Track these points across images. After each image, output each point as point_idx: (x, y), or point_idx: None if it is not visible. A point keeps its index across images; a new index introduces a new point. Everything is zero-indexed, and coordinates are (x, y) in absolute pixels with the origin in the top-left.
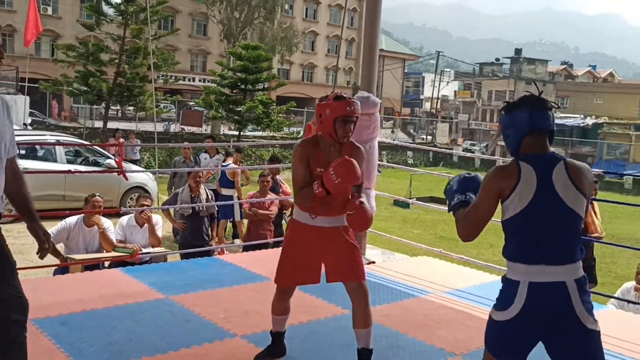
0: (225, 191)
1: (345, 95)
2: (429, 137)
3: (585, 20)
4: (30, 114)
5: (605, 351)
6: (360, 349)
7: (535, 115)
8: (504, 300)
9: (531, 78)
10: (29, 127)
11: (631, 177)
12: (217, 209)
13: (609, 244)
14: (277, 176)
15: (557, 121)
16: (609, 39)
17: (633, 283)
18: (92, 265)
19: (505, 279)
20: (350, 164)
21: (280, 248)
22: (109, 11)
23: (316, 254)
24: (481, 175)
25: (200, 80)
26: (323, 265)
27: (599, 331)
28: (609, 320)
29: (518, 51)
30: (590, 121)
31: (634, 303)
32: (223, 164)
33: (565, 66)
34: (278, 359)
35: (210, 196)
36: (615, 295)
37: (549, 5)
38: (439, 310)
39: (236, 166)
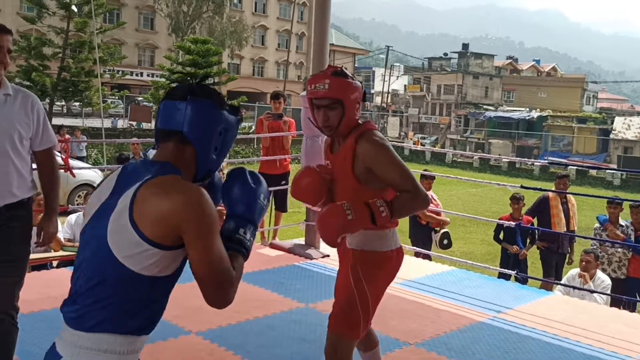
0: None
1: (320, 73)
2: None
3: (529, 16)
4: None
5: (552, 336)
6: None
7: (160, 110)
8: None
9: (478, 72)
10: None
11: (574, 167)
12: None
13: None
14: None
15: (503, 114)
16: (551, 34)
17: (578, 270)
18: (40, 265)
19: None
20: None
21: None
22: (51, 4)
23: None
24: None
25: (148, 75)
26: None
27: None
28: (555, 306)
29: (465, 46)
30: (535, 114)
31: (579, 289)
32: None
33: (510, 60)
34: None
35: None
36: (562, 282)
37: (493, 1)
38: (391, 300)
39: None
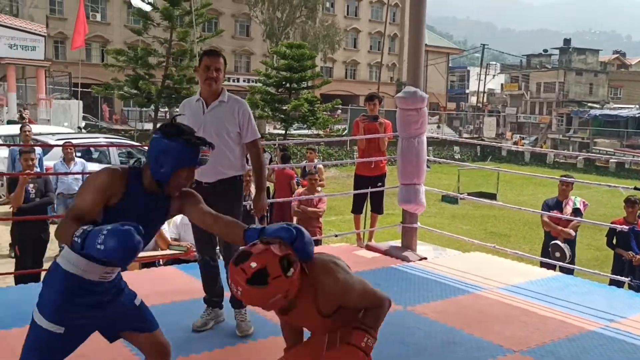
0: None
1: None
2: (471, 130)
3: (637, 7)
4: (84, 118)
5: None
6: None
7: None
8: None
9: (582, 68)
10: (83, 131)
11: None
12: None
13: None
14: None
15: (610, 112)
16: None
17: None
18: (149, 263)
19: None
20: None
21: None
22: (156, 15)
23: None
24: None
25: (244, 81)
26: None
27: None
28: None
29: (567, 41)
30: None
31: None
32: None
33: (617, 55)
34: None
35: None
36: None
37: None
38: (494, 306)
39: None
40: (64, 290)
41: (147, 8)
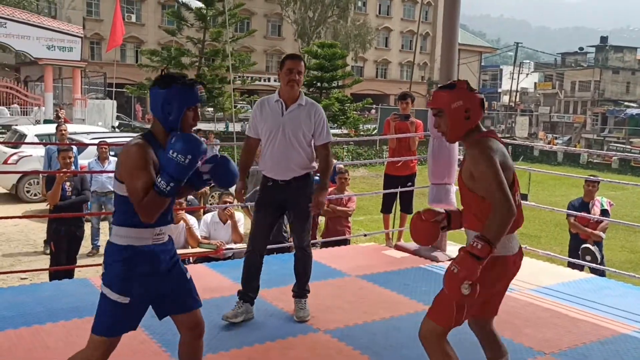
0: None
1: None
2: (502, 130)
3: None
4: (117, 118)
5: None
6: None
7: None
8: None
9: (619, 67)
10: (116, 130)
11: None
12: None
13: None
14: None
15: None
16: None
17: None
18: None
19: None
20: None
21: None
22: (190, 16)
23: None
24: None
25: (275, 80)
26: None
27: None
28: None
29: (604, 39)
30: None
31: None
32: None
33: None
34: None
35: None
36: None
37: None
38: (525, 308)
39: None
40: (123, 261)
41: (199, 4)
